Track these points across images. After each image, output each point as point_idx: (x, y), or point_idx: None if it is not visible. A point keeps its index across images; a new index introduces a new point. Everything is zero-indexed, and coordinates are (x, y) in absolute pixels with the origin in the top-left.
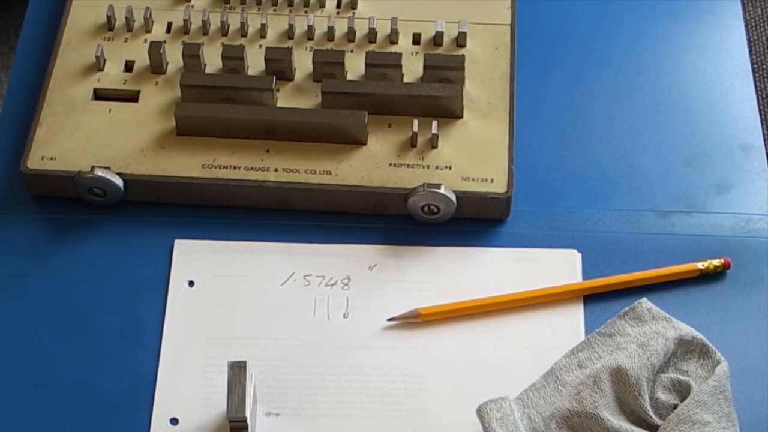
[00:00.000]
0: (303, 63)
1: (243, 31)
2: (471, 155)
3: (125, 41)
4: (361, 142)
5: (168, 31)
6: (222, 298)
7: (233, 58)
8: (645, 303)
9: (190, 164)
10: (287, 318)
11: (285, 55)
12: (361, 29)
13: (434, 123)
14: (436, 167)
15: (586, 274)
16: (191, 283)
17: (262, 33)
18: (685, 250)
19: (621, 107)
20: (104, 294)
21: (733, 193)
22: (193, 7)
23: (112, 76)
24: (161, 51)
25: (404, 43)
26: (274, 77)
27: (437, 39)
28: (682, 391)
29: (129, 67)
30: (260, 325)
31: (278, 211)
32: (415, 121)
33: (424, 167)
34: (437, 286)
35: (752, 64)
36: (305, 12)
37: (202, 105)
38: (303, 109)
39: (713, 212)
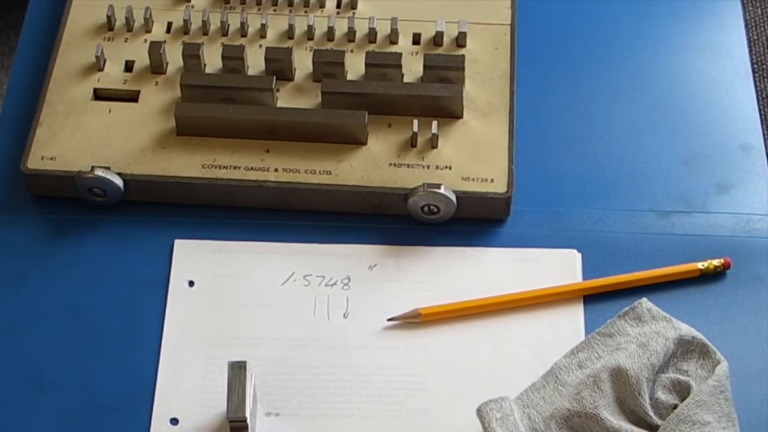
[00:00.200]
0: (303, 63)
1: (243, 31)
2: (471, 155)
3: (125, 41)
4: (361, 142)
5: (168, 31)
6: (222, 298)
7: (233, 58)
8: (645, 303)
9: (190, 164)
10: (287, 318)
11: (285, 55)
12: (361, 29)
13: (434, 123)
14: (436, 167)
15: (586, 274)
16: (191, 283)
17: (262, 33)
18: (685, 250)
19: (621, 107)
20: (104, 294)
21: (733, 193)
22: (193, 7)
23: (112, 76)
24: (161, 51)
25: (404, 43)
26: (274, 77)
27: (437, 39)
28: (682, 391)
29: (129, 67)
30: (260, 325)
31: (278, 211)
32: (415, 121)
33: (424, 167)
34: (437, 286)
35: (752, 64)
36: (305, 12)
37: (202, 105)
38: (303, 109)
39: (713, 212)
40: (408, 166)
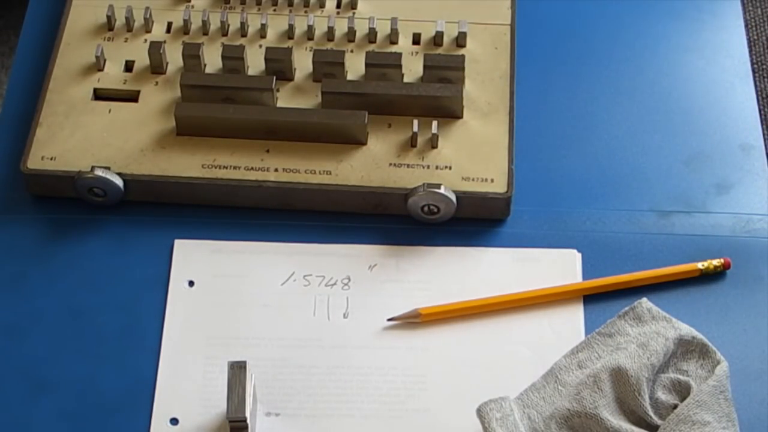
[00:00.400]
0: (303, 63)
1: (243, 31)
2: (471, 155)
3: (125, 41)
4: (361, 142)
5: (168, 31)
6: (222, 298)
7: (233, 58)
8: (645, 303)
9: (190, 164)
10: (287, 318)
11: (285, 55)
12: (361, 29)
13: (434, 123)
14: (436, 167)
15: (586, 274)
16: (191, 283)
17: (262, 33)
18: (685, 250)
19: (621, 107)
20: (104, 294)
21: (733, 193)
22: (193, 7)
23: (112, 76)
24: (161, 51)
25: (404, 43)
26: (274, 77)
27: (437, 39)
28: (682, 391)
29: (129, 67)
30: (260, 325)
31: (278, 211)
32: (415, 121)
33: (424, 167)
34: (437, 286)
35: (752, 64)
36: (305, 12)
37: (202, 105)
38: (303, 109)
39: (713, 212)
40: (408, 166)
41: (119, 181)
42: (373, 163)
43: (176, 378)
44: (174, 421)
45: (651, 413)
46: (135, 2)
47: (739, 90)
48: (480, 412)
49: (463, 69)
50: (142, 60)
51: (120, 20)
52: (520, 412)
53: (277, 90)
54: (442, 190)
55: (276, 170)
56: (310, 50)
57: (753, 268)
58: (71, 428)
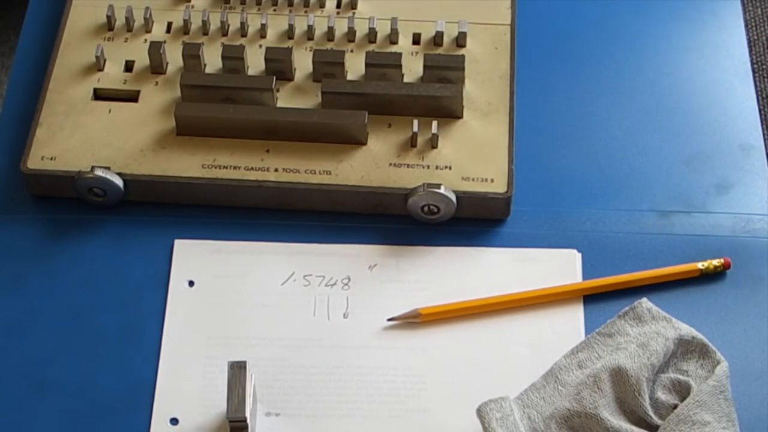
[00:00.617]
0: (303, 63)
1: (243, 31)
2: (471, 155)
3: (125, 41)
4: (361, 142)
5: (168, 31)
6: (222, 298)
7: (233, 58)
8: (645, 303)
9: (190, 164)
10: (287, 318)
11: (285, 55)
12: (361, 29)
13: (434, 123)
14: (436, 167)
15: (586, 274)
16: (191, 283)
17: (262, 33)
18: (685, 250)
19: (621, 107)
20: (104, 294)
21: (733, 193)
22: (193, 7)
23: (112, 76)
24: (161, 51)
25: (404, 43)
26: (274, 77)
27: (437, 39)
28: (682, 391)
29: (129, 67)
30: (260, 325)
31: (278, 211)
32: (415, 121)
33: (424, 167)
34: (437, 286)
35: (752, 64)
36: (305, 12)
37: (202, 105)
38: (303, 109)
39: (713, 212)
40: (408, 166)
41: (119, 181)
42: (373, 163)
43: (176, 378)
44: (174, 421)
45: (651, 413)
46: (135, 2)
47: (739, 90)
48: (480, 412)
49: (463, 69)
50: (142, 60)
51: (120, 20)
52: (520, 412)
53: (277, 90)
54: (442, 190)
55: (276, 170)
56: (310, 50)
57: (753, 268)
58: (71, 428)
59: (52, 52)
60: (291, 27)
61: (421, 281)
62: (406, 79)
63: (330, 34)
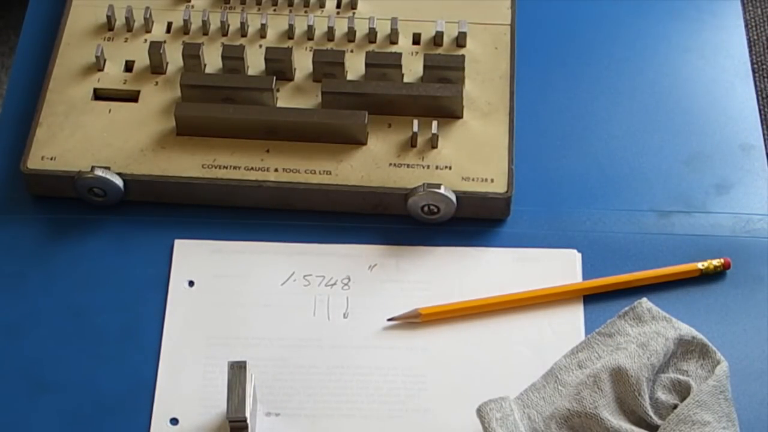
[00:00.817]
0: (303, 63)
1: (243, 31)
2: (471, 155)
3: (125, 41)
4: (361, 142)
5: (168, 31)
6: (222, 298)
7: (233, 58)
8: (645, 303)
9: (190, 164)
10: (287, 318)
11: (285, 55)
12: (361, 29)
13: (434, 123)
14: (436, 167)
15: (586, 274)
16: (191, 283)
17: (262, 33)
18: (685, 250)
19: (621, 107)
20: (104, 294)
21: (733, 193)
22: (193, 7)
23: (112, 76)
24: (161, 51)
25: (404, 43)
26: (274, 77)
27: (437, 39)
28: (682, 391)
29: (129, 67)
30: (260, 325)
31: (278, 211)
32: (415, 121)
33: (424, 167)
34: (437, 286)
35: (752, 64)
36: (305, 12)
37: (202, 105)
38: (303, 109)
39: (713, 212)
40: (408, 166)
41: (119, 181)
42: (373, 163)
43: (176, 378)
44: (174, 421)
45: (651, 413)
46: (135, 2)
47: (739, 90)
48: (480, 412)
49: (463, 69)
50: (142, 60)
51: (120, 20)
52: (520, 412)
53: (277, 90)
54: (442, 190)
55: (276, 170)
56: (310, 50)
57: (753, 268)
58: (71, 428)
59: (52, 52)
60: (291, 27)
61: (421, 281)
62: (406, 79)
63: (330, 34)
